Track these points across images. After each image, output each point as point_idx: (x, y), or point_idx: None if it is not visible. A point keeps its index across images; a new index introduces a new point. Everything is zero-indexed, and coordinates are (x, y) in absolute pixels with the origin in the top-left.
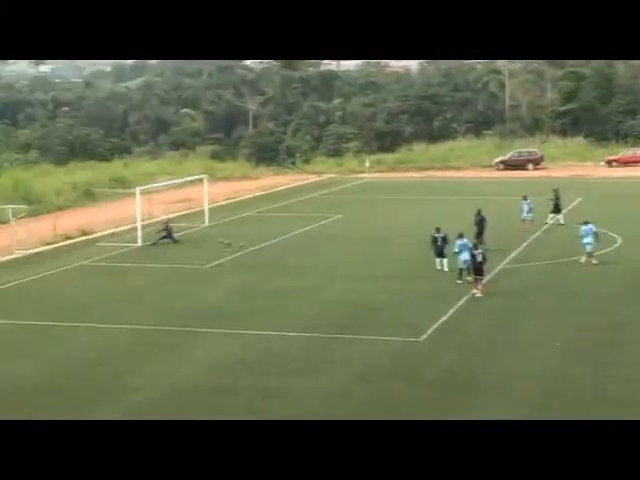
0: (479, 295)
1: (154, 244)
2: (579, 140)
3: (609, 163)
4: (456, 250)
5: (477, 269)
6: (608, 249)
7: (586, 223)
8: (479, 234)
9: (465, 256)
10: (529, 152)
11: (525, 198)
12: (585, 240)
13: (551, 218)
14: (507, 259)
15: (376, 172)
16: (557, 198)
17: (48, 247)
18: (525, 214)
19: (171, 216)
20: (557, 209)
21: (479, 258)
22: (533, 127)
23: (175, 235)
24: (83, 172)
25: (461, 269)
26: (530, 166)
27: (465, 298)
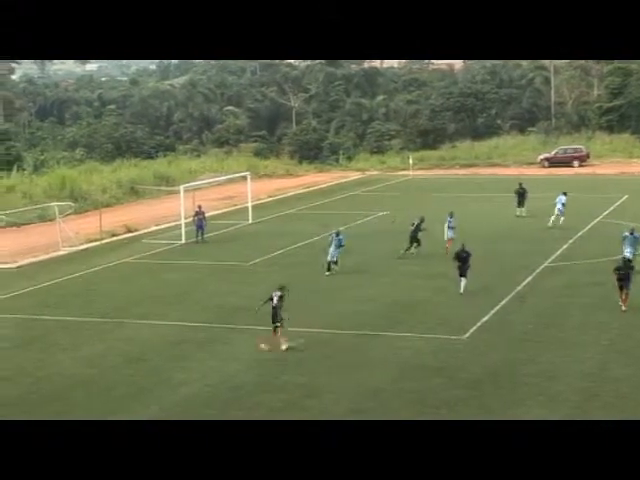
0: (285, 347)
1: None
2: (626, 137)
3: None
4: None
5: (273, 314)
6: None
7: (564, 193)
8: None
9: None
10: (575, 149)
11: (451, 215)
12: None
13: (520, 212)
14: (551, 257)
15: (419, 169)
16: (523, 192)
17: (94, 244)
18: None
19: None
20: (521, 203)
21: (275, 301)
22: (579, 124)
23: (201, 236)
24: (128, 170)
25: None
26: (576, 163)
27: (509, 296)
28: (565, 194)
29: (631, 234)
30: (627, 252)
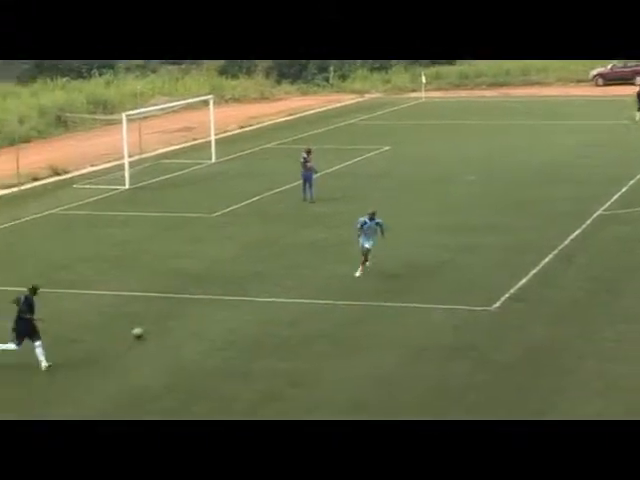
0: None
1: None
2: None
3: None
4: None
5: None
6: None
7: None
8: None
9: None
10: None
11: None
12: None
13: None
14: (607, 202)
15: (434, 90)
16: None
17: (9, 191)
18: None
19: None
20: None
21: None
22: None
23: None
24: (53, 93)
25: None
26: (639, 80)
27: (552, 254)
28: None
29: None
30: None
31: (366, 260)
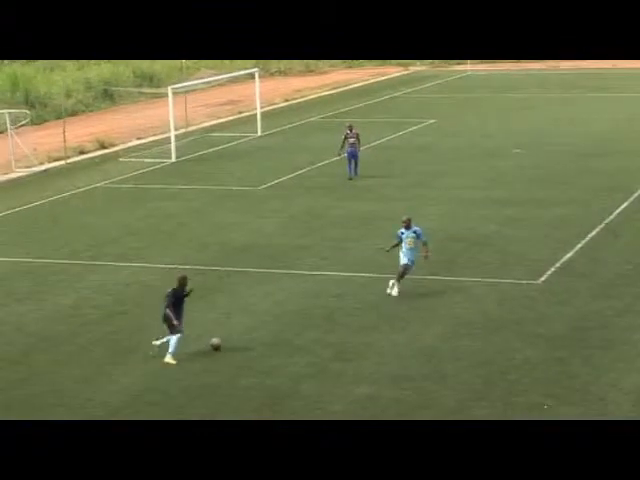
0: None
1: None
2: None
3: None
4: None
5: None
6: None
7: None
8: None
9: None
10: None
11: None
12: None
13: None
14: None
15: (480, 63)
16: None
17: (57, 164)
18: None
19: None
20: None
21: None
22: None
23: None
24: (99, 66)
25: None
26: None
27: (598, 228)
28: None
29: None
30: None
31: (403, 275)
